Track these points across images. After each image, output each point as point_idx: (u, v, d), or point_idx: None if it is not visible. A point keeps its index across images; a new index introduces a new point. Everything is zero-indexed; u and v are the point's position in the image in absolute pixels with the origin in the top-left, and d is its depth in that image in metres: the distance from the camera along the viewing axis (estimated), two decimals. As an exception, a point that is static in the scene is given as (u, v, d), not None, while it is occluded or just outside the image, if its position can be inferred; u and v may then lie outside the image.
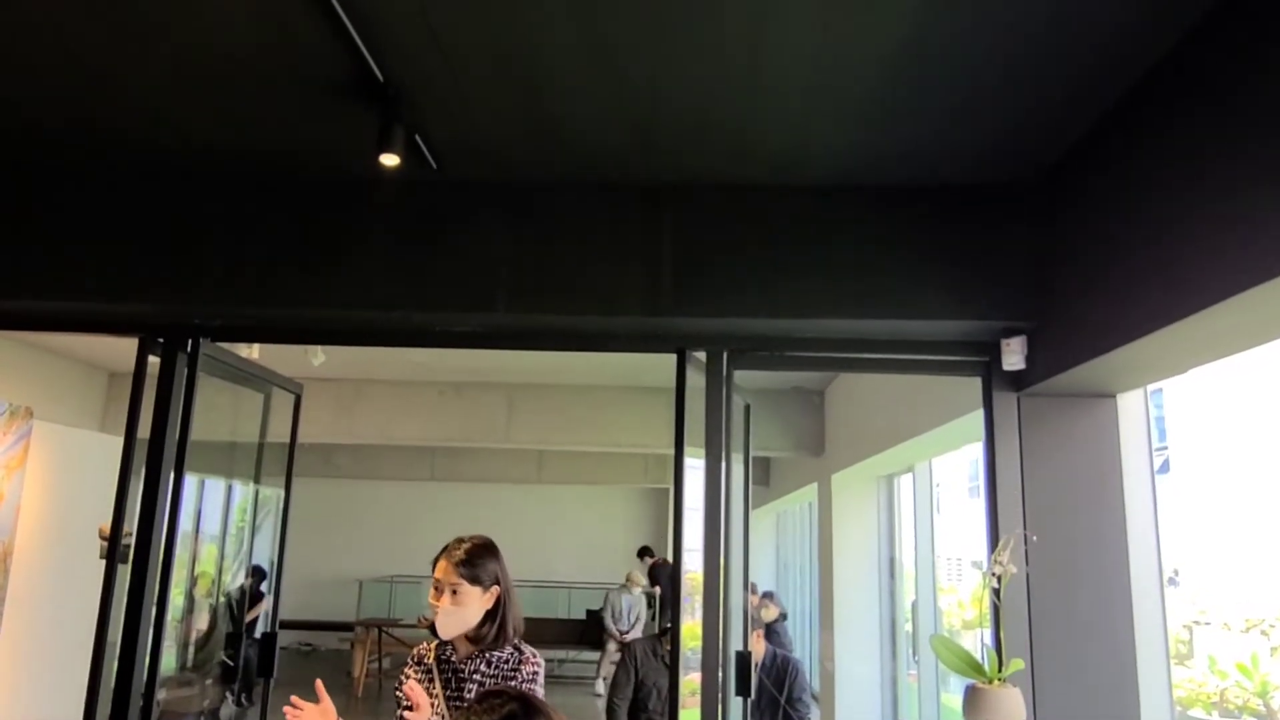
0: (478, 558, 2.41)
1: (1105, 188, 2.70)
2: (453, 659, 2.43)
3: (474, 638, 2.40)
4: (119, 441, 3.45)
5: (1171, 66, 2.37)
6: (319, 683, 2.32)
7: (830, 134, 2.92)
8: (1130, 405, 3.20)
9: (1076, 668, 3.03)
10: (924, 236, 3.23)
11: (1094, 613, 3.06)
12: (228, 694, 4.52)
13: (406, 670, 2.48)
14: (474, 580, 2.38)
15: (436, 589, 2.39)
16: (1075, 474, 3.17)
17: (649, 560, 11.65)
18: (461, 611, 2.37)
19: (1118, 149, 2.63)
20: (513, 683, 2.33)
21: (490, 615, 2.41)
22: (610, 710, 4.55)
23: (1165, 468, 3.56)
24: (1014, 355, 3.17)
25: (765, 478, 10.56)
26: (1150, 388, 3.23)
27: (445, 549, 2.45)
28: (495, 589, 2.42)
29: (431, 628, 2.42)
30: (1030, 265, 3.15)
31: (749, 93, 2.66)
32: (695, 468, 3.38)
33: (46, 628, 5.13)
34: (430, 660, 2.46)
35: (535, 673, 2.38)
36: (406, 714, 2.27)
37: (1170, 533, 3.23)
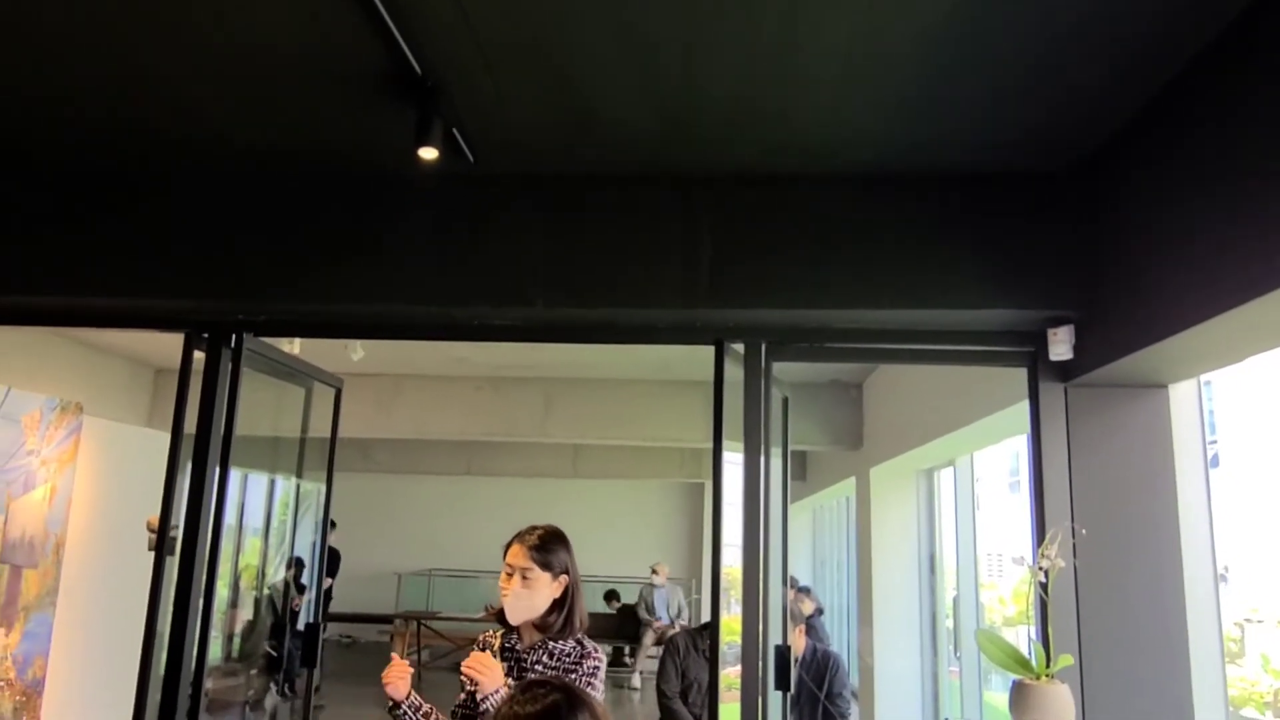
0: (550, 544, 2.44)
1: (1155, 173, 2.63)
2: (517, 647, 2.44)
3: (540, 626, 2.41)
4: (165, 436, 3.52)
5: (1222, 50, 2.30)
6: (394, 655, 2.38)
7: (868, 122, 2.88)
8: (1183, 396, 3.12)
9: (1127, 664, 2.96)
10: (965, 225, 3.17)
11: (1145, 608, 2.99)
12: (272, 684, 4.59)
13: (471, 655, 2.49)
14: (545, 566, 2.40)
15: (507, 573, 2.41)
16: (1125, 467, 3.09)
17: (616, 604, 11.81)
18: (530, 596, 2.38)
19: (1168, 134, 2.56)
20: (572, 676, 2.32)
21: (558, 604, 2.42)
22: (662, 699, 4.55)
23: (1215, 461, 3.47)
24: (1061, 345, 3.10)
25: (802, 472, 10.49)
26: (1201, 379, 3.15)
27: (518, 534, 2.47)
28: (564, 578, 2.44)
29: (499, 615, 2.43)
30: (1076, 253, 3.08)
31: (784, 82, 2.63)
32: (733, 462, 3.36)
33: (98, 616, 5.25)
34: (495, 646, 2.47)
35: (596, 668, 2.38)
36: (473, 673, 2.26)
37: (1220, 528, 3.14)
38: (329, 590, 9.78)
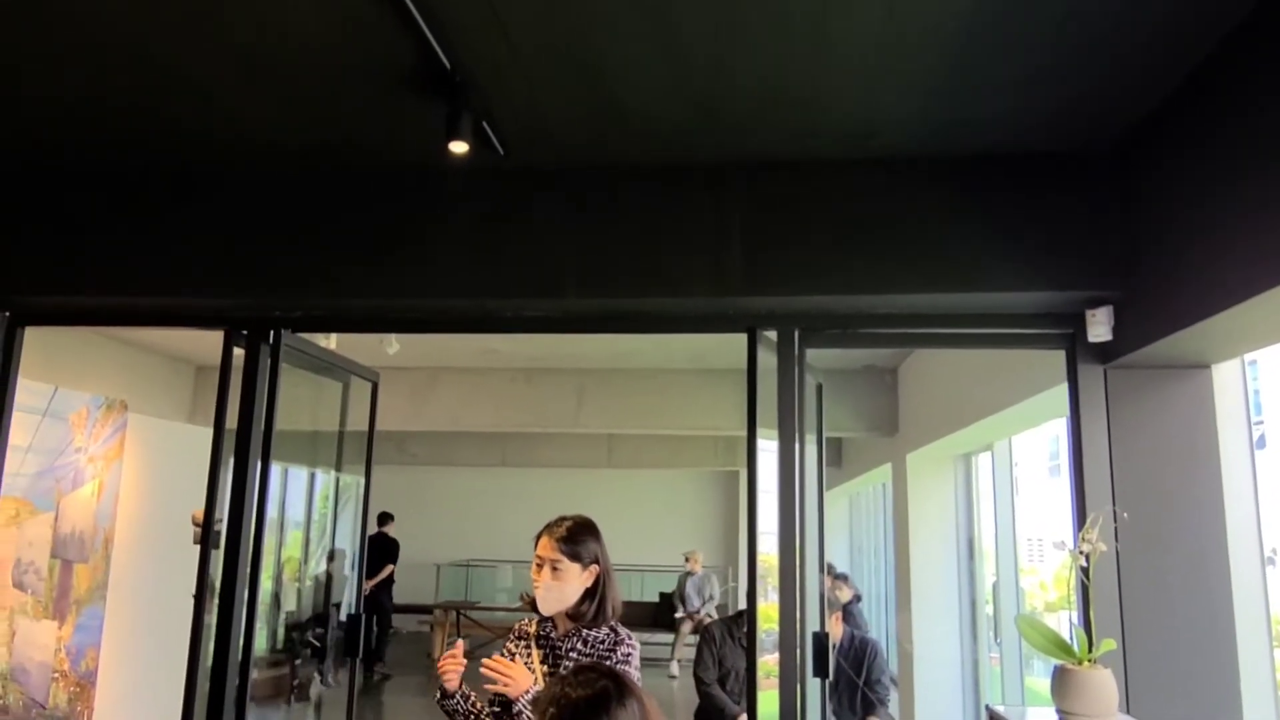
0: (579, 535, 2.45)
1: (1195, 149, 2.57)
2: (551, 635, 2.47)
3: (573, 615, 2.44)
4: (207, 432, 3.59)
5: (1261, 22, 2.24)
6: (460, 642, 2.42)
7: (899, 105, 2.84)
8: (1226, 376, 3.06)
9: (1172, 649, 2.92)
10: (1000, 206, 3.13)
11: (1190, 593, 2.95)
12: (316, 673, 4.67)
13: (508, 646, 2.53)
14: (574, 557, 2.42)
15: (538, 565, 2.44)
16: (1168, 449, 3.04)
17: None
18: (561, 587, 2.40)
19: (1207, 110, 2.51)
20: (607, 663, 2.35)
21: (590, 593, 2.44)
22: (701, 686, 4.57)
23: (1261, 443, 3.40)
24: (1100, 326, 3.05)
25: (838, 459, 10.44)
26: (1245, 358, 3.08)
27: (547, 526, 2.49)
28: (595, 568, 2.46)
29: (533, 604, 2.46)
30: (1114, 233, 3.03)
31: (814, 66, 2.61)
32: (768, 449, 3.36)
33: (146, 609, 5.38)
34: (531, 634, 2.50)
35: (629, 654, 2.40)
36: (500, 686, 2.29)
37: (1267, 510, 3.08)
38: (391, 575, 10.92)
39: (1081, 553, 2.49)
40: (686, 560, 11.64)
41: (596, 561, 2.46)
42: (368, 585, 10.58)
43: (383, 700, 9.39)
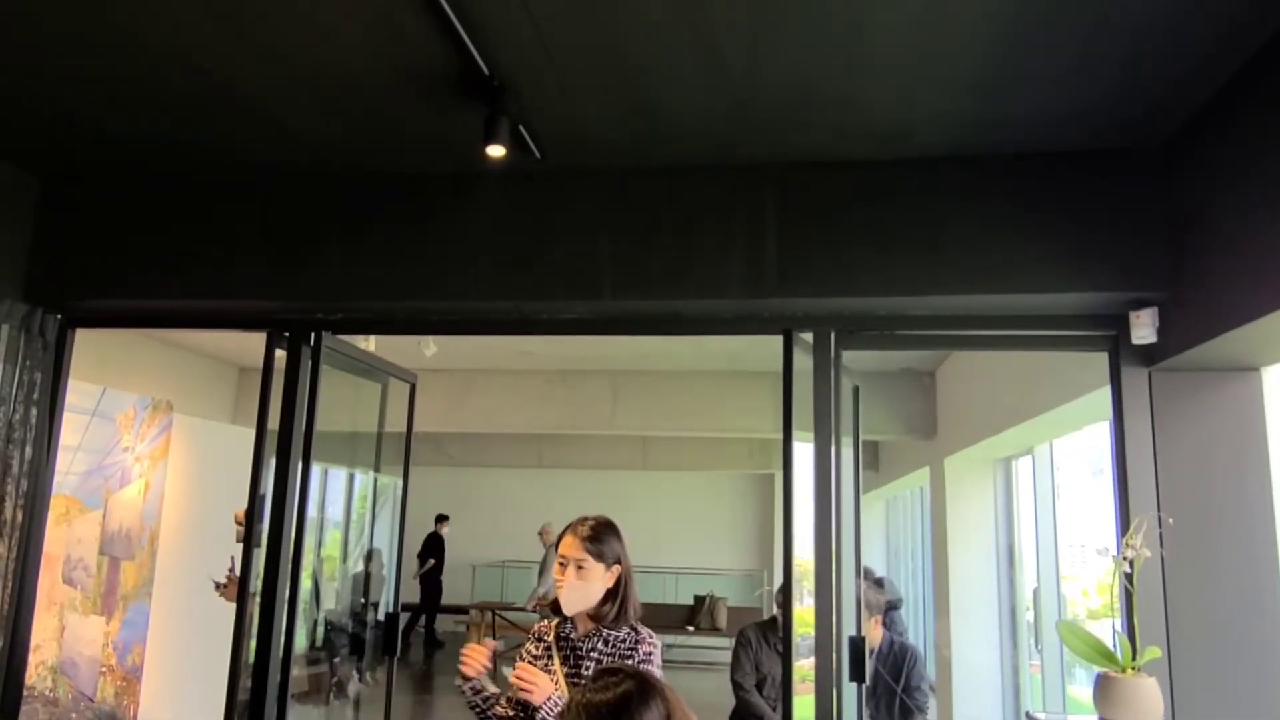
0: (602, 534, 2.48)
1: (1244, 145, 2.51)
2: (572, 636, 2.48)
3: (595, 615, 2.46)
4: (250, 433, 3.65)
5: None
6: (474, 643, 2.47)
7: (936, 103, 2.81)
8: (1277, 378, 2.99)
9: (1219, 657, 2.85)
10: (1041, 206, 3.09)
11: (1238, 599, 2.88)
12: (354, 671, 4.73)
13: (528, 647, 2.54)
14: (598, 556, 2.44)
15: (561, 564, 2.46)
16: (1215, 453, 2.98)
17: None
18: (586, 587, 2.42)
19: (1257, 104, 2.45)
20: (629, 662, 2.36)
21: (611, 594, 2.46)
22: (739, 692, 4.54)
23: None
24: (1144, 328, 3.00)
25: (874, 462, 10.34)
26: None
27: (570, 526, 2.52)
28: (617, 568, 2.48)
29: (553, 606, 2.48)
30: (1159, 233, 2.97)
31: (851, 65, 2.60)
32: (804, 452, 3.34)
33: (191, 606, 5.47)
34: (550, 638, 2.52)
35: (650, 653, 2.41)
36: (523, 693, 2.31)
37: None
38: (432, 569, 12.33)
39: (1125, 558, 2.44)
40: (541, 535, 11.30)
41: (619, 562, 2.48)
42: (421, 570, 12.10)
43: (421, 699, 9.47)
